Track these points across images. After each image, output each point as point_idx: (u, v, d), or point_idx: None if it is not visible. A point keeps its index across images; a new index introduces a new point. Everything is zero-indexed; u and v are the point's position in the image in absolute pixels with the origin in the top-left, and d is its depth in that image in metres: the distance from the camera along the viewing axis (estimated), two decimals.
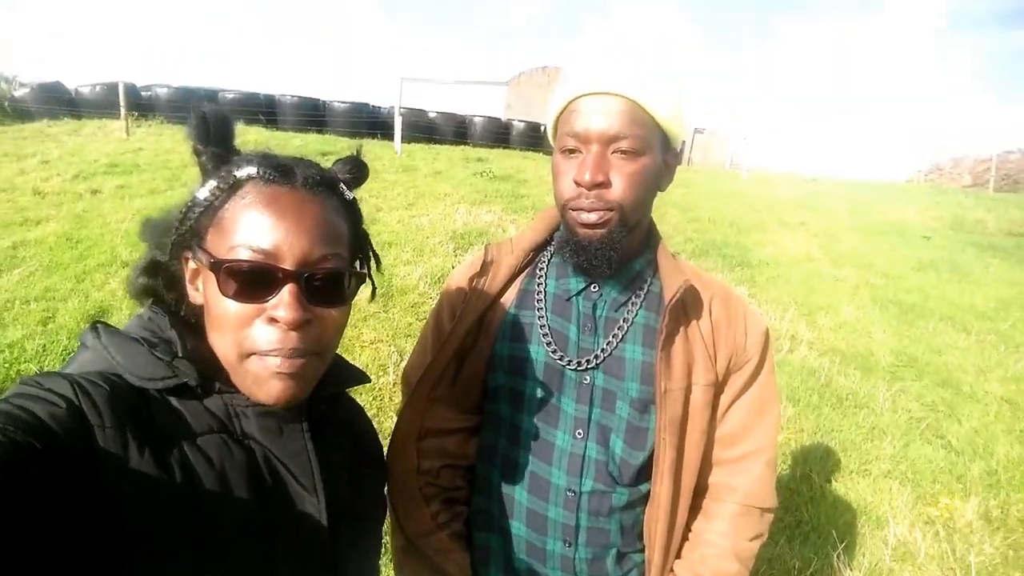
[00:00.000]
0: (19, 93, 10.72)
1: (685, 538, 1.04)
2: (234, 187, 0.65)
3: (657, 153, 0.93)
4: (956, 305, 5.82)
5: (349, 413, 0.89)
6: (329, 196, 0.69)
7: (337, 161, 0.76)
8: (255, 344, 0.63)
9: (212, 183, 0.65)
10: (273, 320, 0.62)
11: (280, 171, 0.66)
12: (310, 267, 0.64)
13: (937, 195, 12.97)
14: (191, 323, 0.71)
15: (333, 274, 0.66)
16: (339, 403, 0.86)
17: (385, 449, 1.01)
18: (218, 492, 0.61)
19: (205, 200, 0.65)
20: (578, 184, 0.90)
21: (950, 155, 18.28)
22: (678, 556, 1.03)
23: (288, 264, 0.63)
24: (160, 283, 0.71)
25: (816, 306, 5.34)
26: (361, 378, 0.86)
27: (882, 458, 3.21)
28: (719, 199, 9.27)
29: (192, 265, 0.68)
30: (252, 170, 0.65)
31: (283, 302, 0.62)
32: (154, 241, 0.71)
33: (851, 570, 2.42)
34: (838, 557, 2.45)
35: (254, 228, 0.63)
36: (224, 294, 0.62)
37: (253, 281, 0.62)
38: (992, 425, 3.64)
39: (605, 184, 0.90)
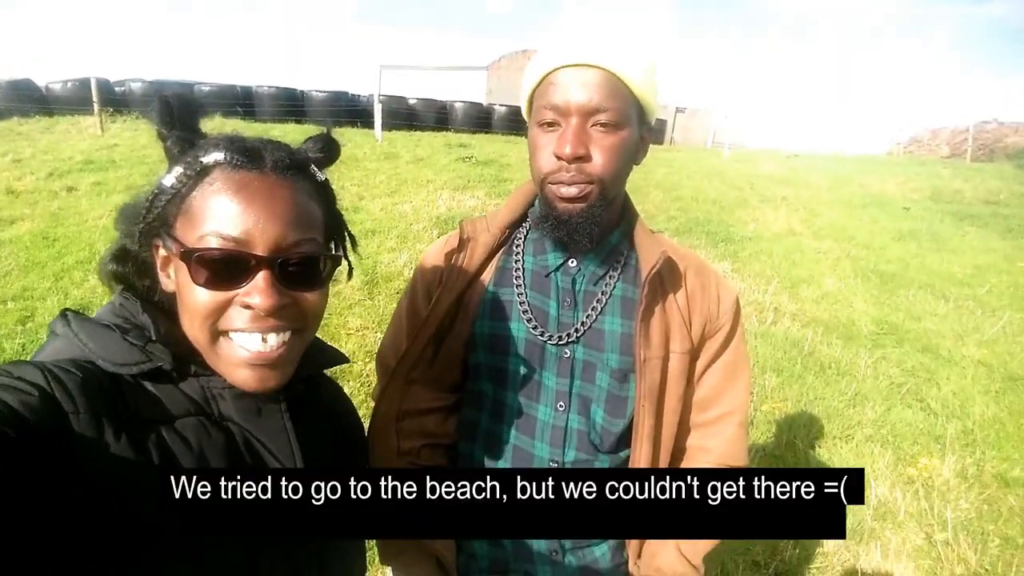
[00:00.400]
0: None
1: None
2: (201, 173, 0.63)
3: (634, 126, 0.92)
4: (935, 273, 5.93)
5: (329, 394, 0.89)
6: (300, 179, 0.67)
7: (307, 140, 0.74)
8: (229, 323, 0.63)
9: (178, 169, 0.63)
10: (248, 306, 0.62)
11: (248, 155, 0.64)
12: (283, 253, 0.63)
13: (916, 167, 13.12)
14: (164, 309, 0.70)
15: (307, 258, 0.65)
16: (319, 384, 0.85)
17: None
18: (203, 469, 0.61)
19: (172, 187, 0.63)
20: (559, 157, 0.89)
21: (928, 127, 18.47)
22: None
23: (260, 251, 0.62)
24: (131, 270, 0.70)
25: (799, 279, 5.41)
26: (339, 358, 0.85)
27: (864, 423, 3.28)
28: (701, 177, 9.32)
29: (163, 252, 0.66)
30: (219, 155, 0.63)
31: (257, 288, 0.61)
32: (124, 228, 0.69)
33: None
34: None
35: (224, 215, 0.61)
36: (196, 283, 0.61)
37: (225, 269, 0.61)
38: (969, 387, 3.73)
39: (586, 157, 0.88)
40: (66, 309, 0.67)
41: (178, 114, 0.66)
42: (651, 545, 1.04)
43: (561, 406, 1.00)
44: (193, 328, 0.64)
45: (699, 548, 1.02)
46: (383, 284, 4.23)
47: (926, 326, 4.62)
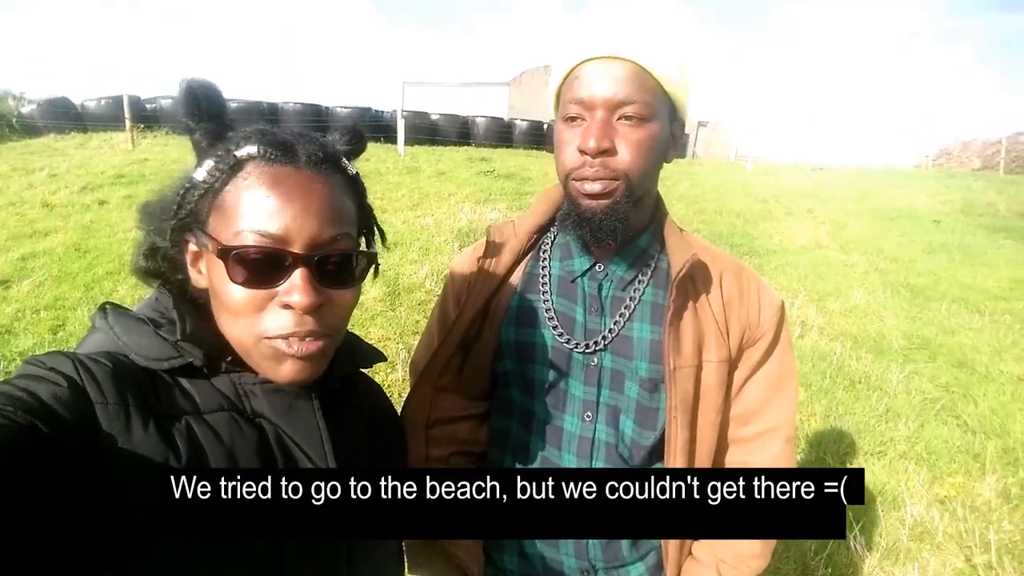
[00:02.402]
0: (26, 109, 10.87)
1: None
2: (235, 168, 0.62)
3: (664, 121, 0.88)
4: (968, 287, 5.75)
5: (367, 393, 0.87)
6: (333, 173, 0.66)
7: (333, 133, 0.73)
8: (269, 329, 0.62)
9: (209, 163, 0.63)
10: (287, 306, 0.61)
11: (282, 149, 0.63)
12: (320, 249, 0.62)
13: (946, 179, 12.85)
14: (197, 304, 0.69)
15: (344, 256, 0.65)
16: (357, 384, 0.84)
17: None
18: (227, 468, 0.60)
19: (204, 182, 0.62)
20: (582, 152, 0.86)
21: (958, 139, 18.11)
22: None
23: (298, 248, 0.61)
24: (164, 265, 0.69)
25: (826, 292, 5.29)
26: (376, 356, 0.84)
27: (897, 439, 3.17)
28: (725, 191, 9.24)
29: (193, 248, 0.66)
30: (252, 149, 0.62)
31: (296, 287, 0.60)
32: (152, 225, 0.68)
33: (868, 550, 2.39)
34: (855, 538, 2.42)
35: (260, 212, 0.60)
36: (233, 281, 0.60)
37: (263, 267, 0.61)
38: (1008, 404, 3.59)
39: (611, 151, 0.85)
40: (106, 302, 0.67)
41: (204, 104, 0.64)
42: (690, 568, 1.00)
43: (588, 416, 0.97)
44: (232, 326, 0.64)
45: (743, 573, 0.97)
46: (405, 295, 4.25)
47: (960, 340, 4.47)
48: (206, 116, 0.65)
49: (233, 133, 0.65)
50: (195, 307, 0.68)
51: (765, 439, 0.99)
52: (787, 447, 0.99)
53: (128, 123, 8.99)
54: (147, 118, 10.09)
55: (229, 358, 0.66)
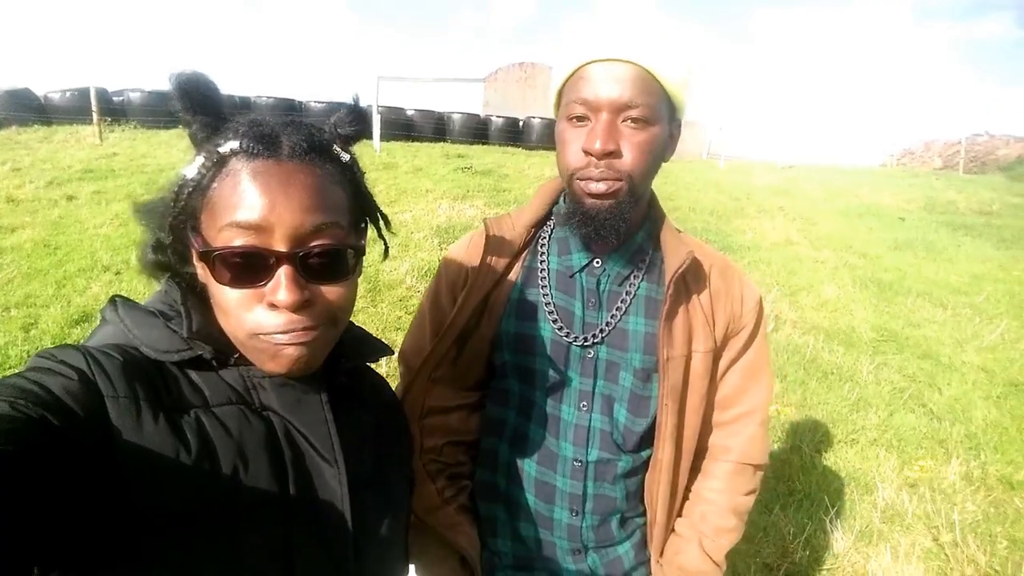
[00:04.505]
0: None
1: (685, 498, 1.07)
2: (219, 163, 0.61)
3: (665, 122, 0.91)
4: (932, 281, 5.97)
5: (373, 386, 0.87)
6: (321, 162, 0.64)
7: (334, 115, 0.71)
8: (260, 326, 0.61)
9: (200, 159, 0.62)
10: (274, 305, 0.60)
11: (264, 142, 0.61)
12: (303, 245, 0.61)
13: (910, 178, 13.26)
14: (205, 296, 0.68)
15: (330, 251, 0.62)
16: (363, 376, 0.84)
17: None
18: (236, 461, 0.60)
19: (192, 179, 0.62)
20: (587, 153, 0.88)
21: (921, 139, 18.69)
22: (679, 515, 1.07)
23: (280, 245, 0.59)
24: (172, 259, 0.69)
25: (798, 287, 5.44)
26: (383, 350, 0.83)
27: (868, 427, 3.30)
28: (697, 188, 9.39)
29: (195, 247, 0.65)
30: (235, 144, 0.61)
31: (280, 285, 0.59)
32: (155, 222, 0.67)
33: (844, 533, 2.49)
34: (830, 521, 2.51)
35: (239, 208, 0.59)
36: (219, 282, 0.60)
37: (246, 266, 0.60)
38: (970, 392, 3.76)
39: (615, 153, 0.87)
40: (116, 295, 0.67)
41: (197, 97, 0.63)
42: (673, 543, 1.05)
43: (584, 406, 1.00)
44: (225, 322, 0.64)
45: (721, 545, 1.03)
46: (385, 292, 4.24)
47: (925, 333, 4.65)
48: (200, 109, 0.63)
49: (225, 126, 0.64)
50: (202, 301, 0.67)
51: (742, 422, 1.05)
52: (761, 429, 1.06)
53: (95, 116, 8.74)
54: (114, 111, 9.82)
55: (238, 353, 0.66)
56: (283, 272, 0.60)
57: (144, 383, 0.58)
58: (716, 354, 1.03)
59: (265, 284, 0.60)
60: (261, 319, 0.61)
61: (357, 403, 0.78)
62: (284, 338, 0.61)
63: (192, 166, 0.62)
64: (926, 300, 5.38)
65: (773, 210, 8.56)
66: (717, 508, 1.04)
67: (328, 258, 0.63)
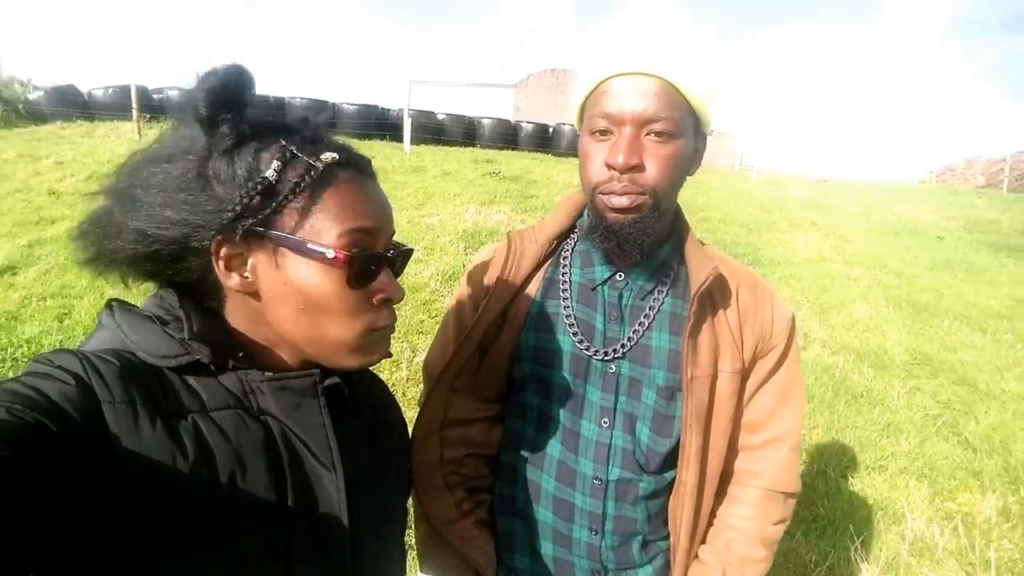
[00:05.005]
0: (34, 96, 10.88)
1: (710, 523, 1.03)
2: (325, 173, 0.63)
3: (690, 136, 0.89)
4: (971, 304, 5.77)
5: (372, 390, 0.88)
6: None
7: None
8: (377, 322, 0.68)
9: (276, 163, 0.61)
10: (388, 301, 0.68)
11: (356, 156, 0.69)
12: (396, 247, 0.71)
13: (950, 196, 12.88)
14: (202, 301, 0.67)
15: (409, 252, 0.74)
16: (362, 380, 0.84)
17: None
18: (233, 466, 0.60)
19: (280, 182, 0.61)
20: (610, 167, 0.87)
21: (962, 156, 18.15)
22: (703, 542, 1.03)
23: (383, 247, 0.68)
24: (168, 266, 0.65)
25: (829, 305, 5.30)
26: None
27: (898, 454, 3.18)
28: (729, 200, 9.25)
29: (226, 251, 0.62)
30: (334, 155, 0.64)
31: (392, 283, 0.68)
32: (154, 223, 0.62)
33: (868, 564, 2.40)
34: (855, 551, 2.42)
35: (364, 216, 0.65)
36: (350, 285, 0.64)
37: (367, 267, 0.66)
38: (1010, 423, 3.60)
39: (639, 167, 0.86)
40: (112, 299, 0.67)
41: (235, 91, 0.61)
42: (697, 571, 1.01)
43: (605, 422, 0.98)
44: (332, 326, 0.65)
45: (746, 573, 0.99)
46: (410, 295, 4.25)
47: (962, 358, 4.48)
48: (229, 105, 0.61)
49: (263, 126, 0.63)
50: (199, 304, 0.67)
51: (772, 447, 1.01)
52: (792, 455, 1.02)
53: (135, 112, 8.99)
54: (154, 108, 10.08)
55: (240, 354, 0.66)
56: (388, 272, 0.68)
57: (141, 388, 0.58)
58: (744, 374, 0.99)
59: (372, 284, 0.67)
60: (375, 317, 0.68)
61: (355, 407, 0.78)
62: (388, 332, 0.70)
63: (270, 169, 0.61)
64: (964, 323, 5.19)
65: (806, 225, 8.39)
66: (744, 536, 1.00)
67: (405, 259, 0.74)
